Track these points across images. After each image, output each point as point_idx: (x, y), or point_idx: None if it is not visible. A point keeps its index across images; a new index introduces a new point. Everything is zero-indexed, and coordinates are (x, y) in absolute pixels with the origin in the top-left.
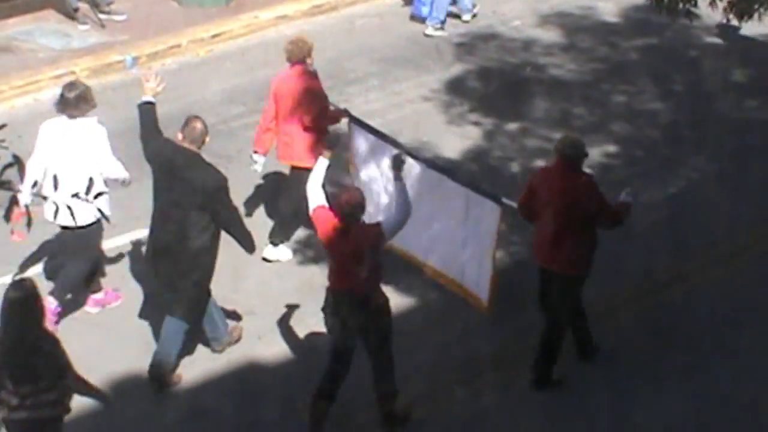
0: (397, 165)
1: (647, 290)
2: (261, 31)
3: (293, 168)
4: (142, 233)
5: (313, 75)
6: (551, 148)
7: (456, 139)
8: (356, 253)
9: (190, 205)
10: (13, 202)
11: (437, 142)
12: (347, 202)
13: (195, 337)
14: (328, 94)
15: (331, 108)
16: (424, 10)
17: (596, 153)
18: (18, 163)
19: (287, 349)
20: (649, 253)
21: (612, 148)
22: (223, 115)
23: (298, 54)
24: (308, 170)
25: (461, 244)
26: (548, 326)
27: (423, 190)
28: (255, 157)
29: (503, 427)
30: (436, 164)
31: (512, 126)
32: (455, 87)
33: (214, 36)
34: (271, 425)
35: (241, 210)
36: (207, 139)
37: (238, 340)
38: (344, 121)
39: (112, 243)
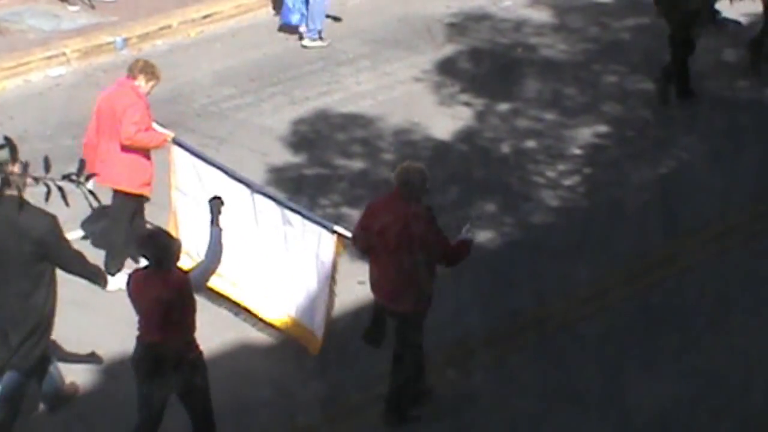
0: (215, 209)
1: (639, 270)
2: (252, 12)
3: (115, 192)
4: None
5: (140, 94)
6: (542, 128)
7: (447, 120)
8: (160, 302)
9: (19, 257)
10: (5, 183)
11: (428, 123)
12: (150, 245)
13: None
14: (320, 76)
15: (158, 130)
16: (294, 18)
17: (588, 133)
18: (10, 144)
19: (279, 332)
20: (641, 234)
21: (603, 129)
22: (213, 96)
23: (137, 70)
24: (129, 194)
25: (295, 276)
26: (393, 370)
27: (254, 217)
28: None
29: (494, 407)
30: (267, 192)
31: (503, 107)
32: (446, 68)
33: (204, 17)
34: (263, 408)
35: None
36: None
37: (71, 398)
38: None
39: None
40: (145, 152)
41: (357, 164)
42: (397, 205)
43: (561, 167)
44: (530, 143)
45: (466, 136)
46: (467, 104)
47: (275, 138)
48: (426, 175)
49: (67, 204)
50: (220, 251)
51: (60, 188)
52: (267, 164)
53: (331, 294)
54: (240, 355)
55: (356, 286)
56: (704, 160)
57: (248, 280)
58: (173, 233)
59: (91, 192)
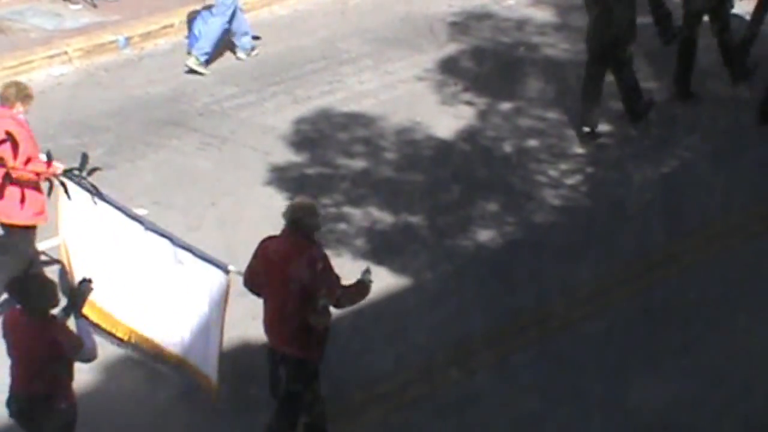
0: (79, 299)
1: (641, 270)
2: (254, 11)
3: (7, 226)
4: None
5: (21, 122)
6: (545, 127)
7: (449, 119)
8: (32, 353)
9: None
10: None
11: (430, 122)
12: (18, 290)
13: None
14: (322, 75)
15: (44, 161)
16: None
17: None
18: (11, 139)
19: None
20: (643, 233)
21: (606, 128)
22: (216, 96)
23: (13, 97)
24: (20, 227)
25: (187, 317)
26: (276, 414)
27: (146, 255)
28: None
29: (496, 406)
30: (159, 230)
31: (506, 106)
32: (449, 67)
33: None
34: (264, 405)
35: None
36: None
37: None
38: None
39: None
40: (34, 183)
41: (359, 163)
42: (288, 245)
43: (563, 166)
44: (532, 142)
45: (469, 135)
46: (469, 103)
47: (277, 137)
48: (317, 211)
49: (69, 198)
50: (91, 341)
51: (62, 183)
52: (269, 163)
53: (222, 334)
54: (241, 353)
55: None
56: (706, 159)
57: (141, 321)
58: (66, 265)
59: (93, 186)
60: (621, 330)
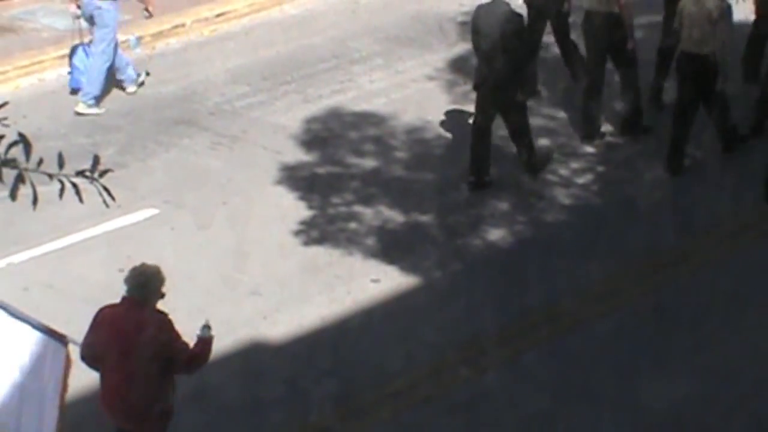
0: None
1: (652, 269)
2: (265, 10)
3: None
4: (146, 213)
5: None
6: (555, 126)
7: (460, 119)
8: None
9: None
10: (19, 180)
11: (441, 121)
12: None
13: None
14: (333, 74)
15: None
16: (84, 80)
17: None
18: (23, 141)
19: (292, 329)
20: (654, 232)
21: (616, 127)
22: (227, 95)
23: None
24: None
25: (19, 395)
26: None
27: None
28: None
29: (507, 405)
30: None
31: None
32: (459, 66)
33: (218, 15)
34: (275, 405)
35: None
36: None
37: None
38: None
39: (116, 223)
40: None
41: (370, 162)
42: (130, 312)
43: (574, 165)
44: (543, 141)
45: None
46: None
47: (288, 136)
48: (162, 277)
49: (81, 200)
50: None
51: (74, 185)
52: (280, 162)
53: (62, 413)
54: (252, 353)
55: (369, 285)
56: (717, 158)
57: None
58: None
59: (105, 188)
60: (631, 329)
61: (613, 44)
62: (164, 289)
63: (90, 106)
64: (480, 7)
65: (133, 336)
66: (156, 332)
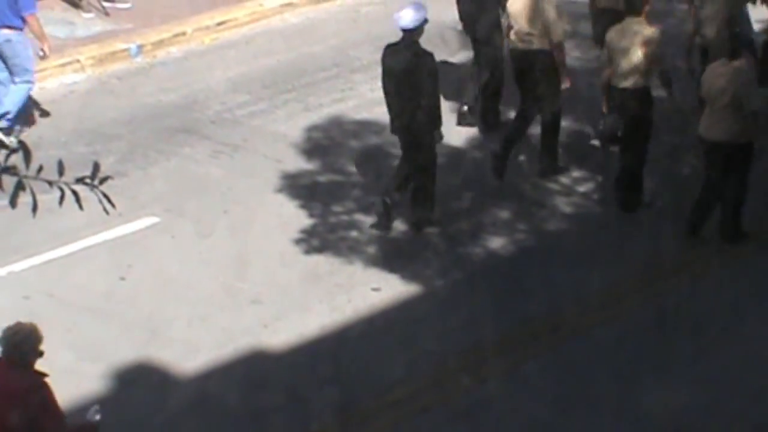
0: None
1: (653, 277)
2: (266, 19)
3: None
4: (147, 222)
5: None
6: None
7: (460, 127)
8: None
9: None
10: (19, 187)
11: (442, 130)
12: None
13: (198, 326)
14: (334, 83)
15: None
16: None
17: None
18: (24, 149)
19: (292, 337)
20: (655, 241)
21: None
22: (228, 103)
23: None
24: None
25: None
26: None
27: None
28: None
29: (508, 413)
30: None
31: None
32: (461, 75)
33: (219, 24)
34: (275, 413)
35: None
36: None
37: None
38: None
39: (117, 232)
40: None
41: (371, 171)
42: (6, 376)
43: (575, 174)
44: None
45: (480, 142)
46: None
47: (289, 144)
48: (39, 335)
49: (81, 207)
50: None
51: (74, 192)
52: (281, 171)
53: None
54: (253, 361)
55: (370, 293)
56: None
57: None
58: None
59: (105, 196)
60: (633, 337)
61: (536, 83)
62: (42, 348)
63: (7, 134)
64: (387, 48)
65: (7, 402)
66: (27, 395)
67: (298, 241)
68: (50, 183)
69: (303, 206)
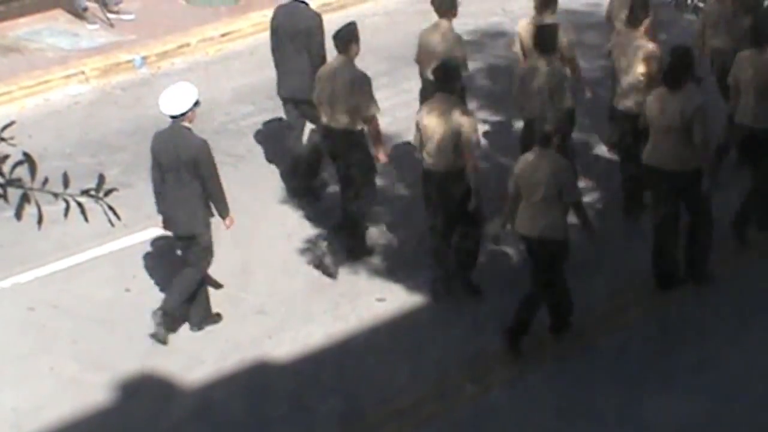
0: None
1: (656, 287)
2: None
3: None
4: (152, 233)
5: None
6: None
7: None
8: None
9: None
10: (24, 199)
11: None
12: None
13: (203, 337)
14: None
15: None
16: None
17: (606, 150)
18: (29, 160)
19: (297, 347)
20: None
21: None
22: (232, 114)
23: None
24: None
25: None
26: None
27: None
28: None
29: (512, 423)
30: None
31: (520, 123)
32: (464, 84)
33: (223, 35)
34: (280, 423)
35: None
36: None
37: None
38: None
39: (122, 243)
40: None
41: (376, 181)
42: None
43: (579, 184)
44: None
45: (483, 153)
46: (484, 121)
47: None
48: None
49: (86, 219)
50: None
51: (79, 204)
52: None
53: None
54: (257, 371)
55: (374, 303)
56: (722, 175)
57: None
58: None
59: (110, 207)
60: (637, 346)
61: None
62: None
63: None
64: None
65: None
66: None
67: (302, 251)
68: (55, 195)
69: (307, 216)
